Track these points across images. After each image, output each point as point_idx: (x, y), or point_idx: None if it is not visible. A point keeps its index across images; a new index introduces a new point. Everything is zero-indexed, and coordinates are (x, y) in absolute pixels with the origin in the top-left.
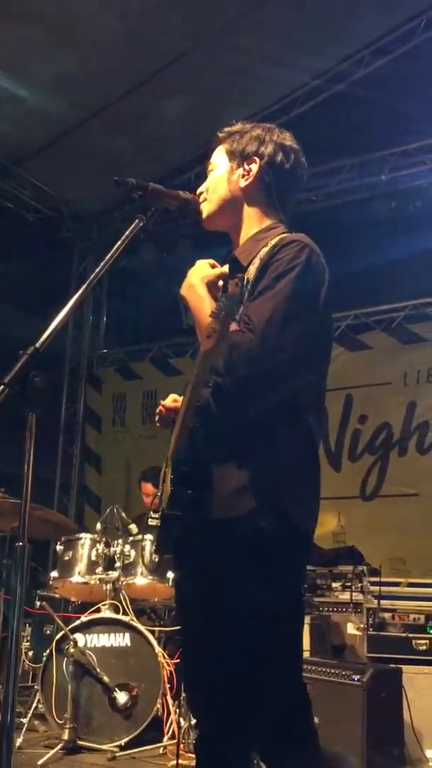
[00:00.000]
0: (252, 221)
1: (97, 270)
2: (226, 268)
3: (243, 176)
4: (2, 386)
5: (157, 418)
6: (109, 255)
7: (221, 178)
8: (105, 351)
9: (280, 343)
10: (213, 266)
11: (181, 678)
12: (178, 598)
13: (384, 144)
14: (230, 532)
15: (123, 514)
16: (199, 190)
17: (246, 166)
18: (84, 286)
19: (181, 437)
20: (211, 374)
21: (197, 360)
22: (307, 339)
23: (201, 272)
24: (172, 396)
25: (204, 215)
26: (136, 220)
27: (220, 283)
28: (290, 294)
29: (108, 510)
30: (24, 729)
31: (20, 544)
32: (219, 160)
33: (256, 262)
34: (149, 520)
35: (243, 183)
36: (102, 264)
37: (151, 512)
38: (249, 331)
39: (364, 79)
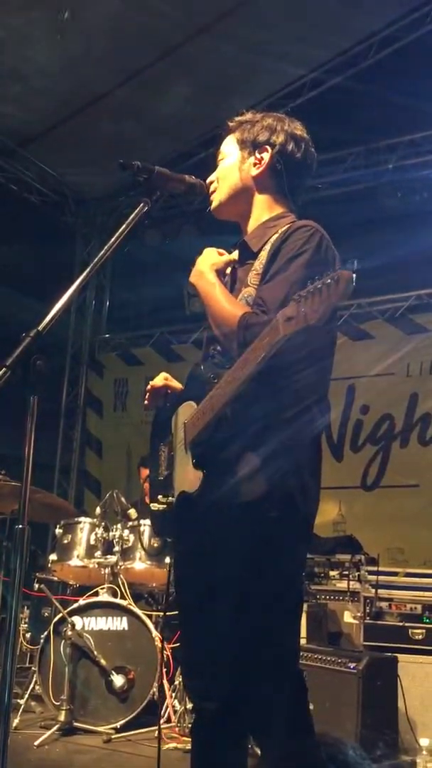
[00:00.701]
0: (262, 209)
1: (102, 253)
2: (234, 255)
3: (254, 165)
4: (3, 369)
5: (147, 396)
6: (113, 239)
7: (232, 166)
8: (107, 336)
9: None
10: (221, 254)
11: (177, 662)
12: (179, 581)
13: (391, 133)
14: (241, 515)
15: (123, 499)
16: (209, 180)
17: (258, 155)
18: (88, 270)
19: (206, 423)
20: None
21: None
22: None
23: (210, 259)
24: (163, 374)
25: (214, 204)
26: (141, 204)
27: (228, 270)
28: (303, 277)
29: (108, 494)
30: (21, 710)
31: (20, 527)
32: (230, 149)
33: (267, 247)
34: (154, 503)
35: (254, 171)
36: (106, 247)
37: (159, 496)
38: (263, 313)
39: (371, 68)
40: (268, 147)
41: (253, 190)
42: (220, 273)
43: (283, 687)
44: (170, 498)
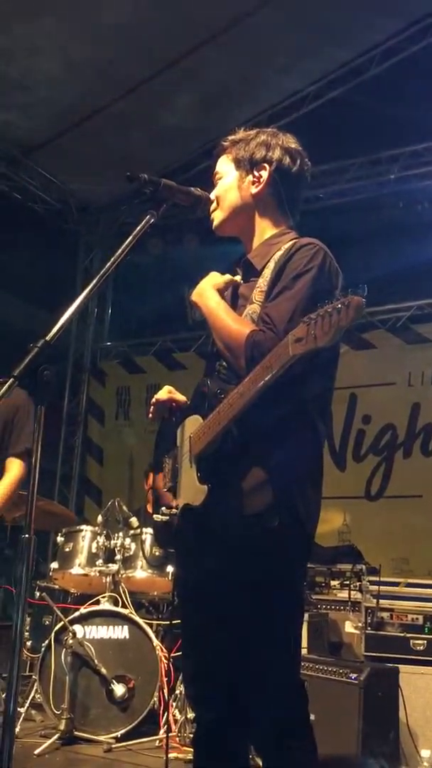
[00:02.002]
0: (264, 226)
1: (108, 265)
2: (236, 277)
3: (253, 183)
4: (12, 378)
5: (151, 409)
6: (120, 250)
7: (231, 186)
8: (109, 344)
9: None
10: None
11: (178, 671)
12: (181, 591)
13: (393, 144)
14: (244, 528)
15: (124, 507)
16: (211, 197)
17: (256, 173)
18: (95, 281)
19: (213, 437)
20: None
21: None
22: None
23: (212, 280)
24: (167, 387)
25: (216, 223)
26: (148, 216)
27: (229, 290)
28: (308, 295)
29: (109, 503)
30: (21, 719)
31: (26, 536)
32: (226, 168)
33: (271, 265)
34: (157, 515)
35: (254, 190)
36: (113, 259)
37: (162, 508)
38: (269, 330)
39: (373, 79)
40: (265, 164)
41: (254, 208)
42: (221, 292)
43: (284, 697)
44: (174, 510)
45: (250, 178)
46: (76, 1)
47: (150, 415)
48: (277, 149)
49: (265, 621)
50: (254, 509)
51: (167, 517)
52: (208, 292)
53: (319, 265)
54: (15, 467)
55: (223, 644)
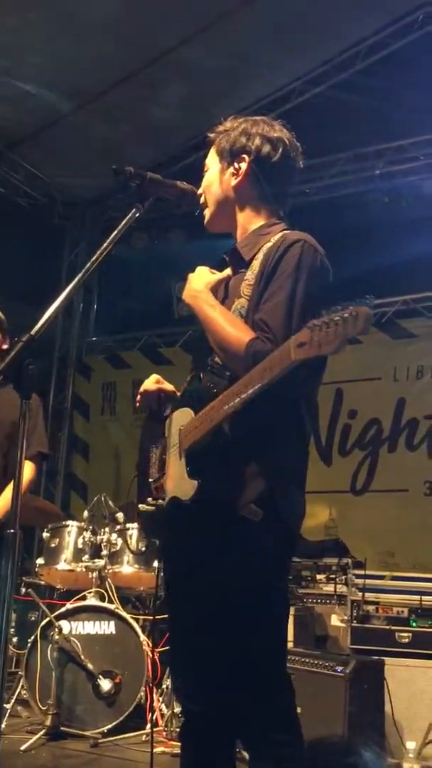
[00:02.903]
0: (249, 218)
1: (94, 259)
2: (227, 272)
3: (233, 175)
4: None
5: (138, 398)
6: (105, 244)
7: (213, 179)
8: (94, 339)
9: None
10: (212, 273)
11: (165, 666)
12: (167, 582)
13: (379, 139)
14: (231, 523)
15: (110, 503)
16: (198, 192)
17: (236, 165)
18: (80, 275)
19: (204, 432)
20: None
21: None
22: None
23: (203, 278)
24: (155, 376)
25: (206, 220)
26: (134, 210)
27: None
28: (303, 298)
29: (95, 498)
30: (7, 714)
31: (11, 531)
32: (211, 161)
33: (260, 256)
34: (142, 504)
35: (234, 182)
36: (98, 253)
37: (149, 498)
38: (269, 340)
39: (359, 73)
40: (244, 155)
41: (236, 201)
42: (214, 291)
43: (270, 690)
44: (160, 501)
45: (231, 170)
46: None
47: (137, 404)
48: (256, 138)
49: (249, 615)
50: (242, 505)
51: (152, 508)
52: (203, 294)
53: (311, 264)
54: (26, 470)
55: (209, 637)
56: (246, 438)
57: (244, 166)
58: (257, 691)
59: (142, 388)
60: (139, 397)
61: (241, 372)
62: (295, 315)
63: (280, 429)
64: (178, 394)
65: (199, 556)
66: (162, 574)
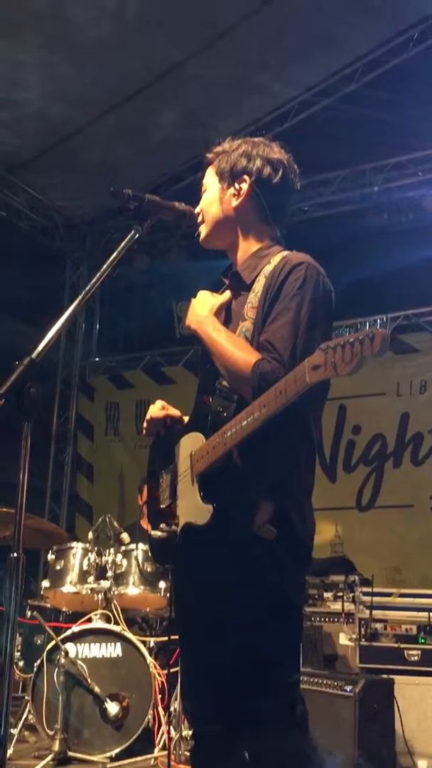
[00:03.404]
0: (249, 239)
1: (93, 281)
2: (227, 295)
3: (234, 195)
4: None
5: (145, 425)
6: (105, 266)
7: (213, 199)
8: (97, 359)
9: None
10: (214, 296)
11: (172, 689)
12: (180, 607)
13: (377, 156)
14: (249, 546)
15: (115, 523)
16: (195, 211)
17: (236, 186)
18: (80, 298)
19: (217, 456)
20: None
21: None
22: None
23: (207, 303)
24: (160, 403)
25: (201, 236)
26: (132, 231)
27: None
28: (308, 320)
29: (100, 519)
30: (14, 740)
31: (14, 555)
32: (210, 181)
33: (261, 279)
34: (155, 531)
35: (234, 202)
36: (98, 275)
37: (162, 525)
38: (275, 360)
39: (357, 92)
40: (245, 176)
41: (237, 221)
42: (216, 315)
43: (284, 713)
44: (173, 527)
45: (231, 190)
46: (61, 19)
47: (144, 432)
48: (257, 160)
49: (268, 635)
50: (257, 525)
51: (165, 534)
52: (208, 319)
53: (314, 286)
54: None
55: (224, 658)
56: (258, 459)
57: (244, 186)
58: (271, 715)
59: (148, 416)
60: (145, 424)
61: (249, 394)
62: (299, 336)
63: (291, 448)
64: (185, 418)
65: (216, 579)
66: (174, 599)
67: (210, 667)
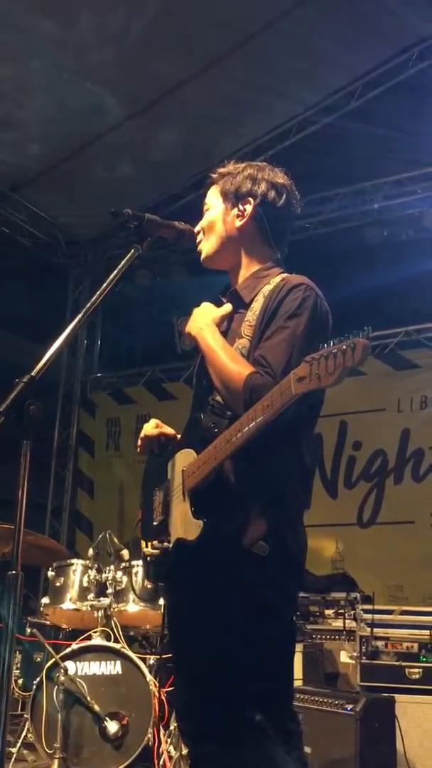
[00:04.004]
0: (250, 260)
1: (93, 299)
2: (228, 307)
3: (238, 216)
4: None
5: (139, 443)
6: (105, 284)
7: (217, 218)
8: (99, 375)
9: None
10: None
11: (173, 707)
12: (173, 626)
13: (377, 173)
14: (239, 562)
15: (115, 540)
16: (196, 229)
17: (241, 207)
18: (80, 316)
19: (208, 472)
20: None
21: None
22: None
23: (209, 313)
24: (154, 421)
25: (203, 255)
26: (132, 250)
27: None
28: (303, 339)
29: (100, 535)
30: (13, 759)
31: (13, 572)
32: (213, 201)
33: (260, 299)
34: (147, 549)
35: (238, 223)
36: (98, 293)
37: (154, 542)
38: (267, 375)
39: (357, 110)
40: (250, 198)
41: (239, 242)
42: (218, 327)
43: (275, 730)
44: (166, 544)
45: (235, 211)
46: (64, 42)
47: (138, 450)
48: (262, 183)
49: (259, 650)
50: (248, 542)
51: (158, 552)
52: (209, 328)
53: (311, 308)
54: None
55: (219, 675)
56: (249, 475)
57: (249, 208)
58: (262, 731)
59: (142, 433)
60: (140, 442)
61: (240, 407)
62: (294, 353)
63: (283, 466)
64: (178, 436)
65: (207, 595)
66: (167, 616)
67: (203, 685)
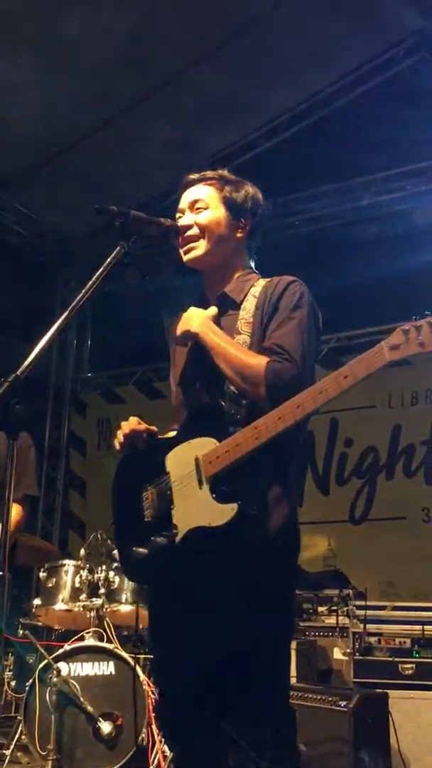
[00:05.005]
0: (236, 267)
1: (79, 297)
2: (215, 310)
3: (239, 229)
4: None
5: (121, 440)
6: (90, 282)
7: (219, 222)
8: (89, 375)
9: (309, 369)
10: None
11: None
12: (170, 622)
13: (366, 169)
14: (269, 542)
15: (108, 540)
16: (186, 223)
17: (242, 221)
18: (65, 314)
19: (240, 455)
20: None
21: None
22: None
23: (203, 314)
24: (134, 418)
25: (197, 253)
26: (118, 247)
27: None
28: (308, 325)
29: (92, 535)
30: (7, 761)
31: (1, 573)
32: (212, 202)
33: (250, 298)
34: (139, 548)
35: (239, 234)
36: (84, 291)
37: (150, 537)
38: (287, 361)
39: (345, 106)
40: (250, 216)
41: (233, 249)
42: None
43: (276, 724)
44: (173, 533)
45: (236, 223)
46: (52, 38)
47: (119, 447)
48: (259, 206)
49: (267, 639)
50: (276, 525)
51: (163, 543)
52: (210, 325)
53: (309, 302)
54: (13, 513)
55: (222, 667)
56: (274, 458)
57: (247, 225)
58: (265, 724)
59: (126, 429)
60: (122, 438)
61: (262, 394)
62: (305, 340)
63: (292, 453)
64: (171, 433)
65: (227, 578)
66: (156, 616)
67: (198, 685)
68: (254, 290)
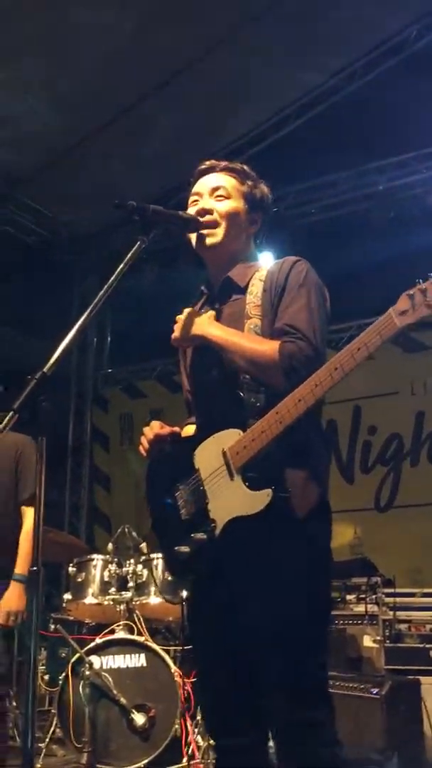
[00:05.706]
0: (241, 255)
1: (101, 293)
2: (211, 314)
3: (253, 223)
4: (12, 412)
5: (146, 446)
6: (112, 278)
7: (238, 212)
8: (110, 370)
9: (322, 347)
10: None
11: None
12: (212, 616)
13: (379, 154)
14: (304, 524)
15: (134, 533)
16: (205, 207)
17: (255, 216)
18: (89, 310)
19: (266, 443)
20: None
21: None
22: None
23: (203, 315)
24: (156, 423)
25: (216, 239)
26: (138, 242)
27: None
28: (317, 304)
29: (119, 530)
30: (42, 754)
31: (35, 569)
32: (233, 192)
33: (255, 282)
34: (183, 547)
35: (252, 228)
36: (106, 287)
37: (191, 535)
38: (300, 340)
39: (355, 93)
40: (262, 212)
41: (243, 241)
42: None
43: (320, 709)
44: (212, 527)
45: (251, 216)
46: (57, 38)
47: (146, 452)
48: (269, 203)
49: (308, 621)
50: (308, 505)
51: (203, 540)
52: (212, 324)
53: (315, 280)
54: (28, 516)
55: (258, 655)
56: (299, 441)
57: (259, 220)
58: (308, 711)
59: (151, 434)
60: (147, 444)
61: (279, 378)
62: (317, 319)
63: (316, 434)
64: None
65: (269, 565)
66: (198, 611)
67: (236, 674)
68: (259, 275)
